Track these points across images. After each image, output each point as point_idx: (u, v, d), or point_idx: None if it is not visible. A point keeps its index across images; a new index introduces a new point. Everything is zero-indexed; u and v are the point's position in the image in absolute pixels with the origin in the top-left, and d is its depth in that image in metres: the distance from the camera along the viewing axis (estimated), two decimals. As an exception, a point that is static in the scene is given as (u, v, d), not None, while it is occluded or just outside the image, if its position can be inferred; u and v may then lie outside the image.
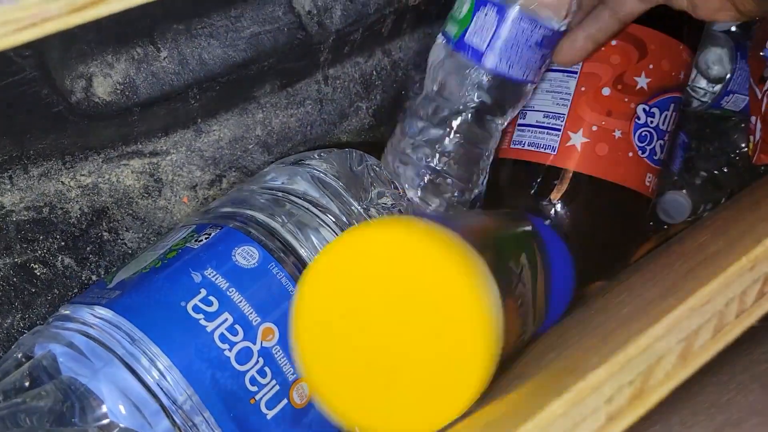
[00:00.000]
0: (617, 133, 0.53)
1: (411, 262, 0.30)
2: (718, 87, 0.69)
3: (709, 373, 0.31)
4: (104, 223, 0.50)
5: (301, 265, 0.43)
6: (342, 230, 0.45)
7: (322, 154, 0.49)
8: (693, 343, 0.30)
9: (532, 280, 0.42)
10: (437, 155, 0.50)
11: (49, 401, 0.36)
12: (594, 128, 0.53)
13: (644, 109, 0.53)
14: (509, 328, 0.34)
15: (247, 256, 0.42)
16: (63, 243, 0.49)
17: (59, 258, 0.48)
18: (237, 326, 0.40)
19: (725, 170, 0.73)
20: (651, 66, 0.53)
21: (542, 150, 0.54)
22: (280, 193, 0.46)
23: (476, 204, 0.60)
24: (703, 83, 0.70)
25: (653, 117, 0.54)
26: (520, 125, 0.55)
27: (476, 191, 0.53)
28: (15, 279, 0.47)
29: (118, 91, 0.48)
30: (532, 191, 0.54)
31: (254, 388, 0.40)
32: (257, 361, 0.40)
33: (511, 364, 0.42)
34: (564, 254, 0.50)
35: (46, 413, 0.36)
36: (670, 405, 0.30)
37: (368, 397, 0.31)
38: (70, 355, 0.38)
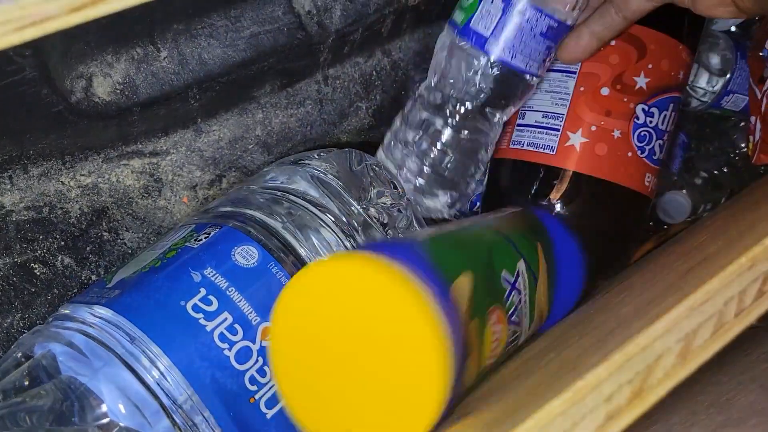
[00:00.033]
0: (616, 133, 0.53)
1: (362, 296, 0.32)
2: (718, 85, 0.69)
3: (708, 372, 0.31)
4: (104, 223, 0.50)
5: (300, 264, 0.43)
6: (342, 230, 0.45)
7: (321, 154, 0.49)
8: (692, 343, 0.30)
9: (530, 285, 0.42)
10: (438, 144, 0.50)
11: (49, 400, 0.36)
12: (593, 128, 0.53)
13: (643, 109, 0.53)
14: (481, 347, 0.36)
15: (246, 255, 0.42)
16: (63, 243, 0.49)
17: (59, 258, 0.48)
18: (236, 326, 0.40)
19: (725, 170, 0.73)
20: (650, 66, 0.53)
21: (541, 150, 0.54)
22: (279, 193, 0.46)
23: (476, 203, 0.60)
24: (703, 83, 0.70)
25: (652, 117, 0.54)
26: (519, 125, 0.55)
27: (475, 186, 0.53)
28: (15, 279, 0.47)
29: (118, 91, 0.48)
30: (532, 191, 0.54)
31: (254, 388, 0.40)
32: (257, 361, 0.40)
33: (510, 364, 0.42)
34: (574, 251, 0.49)
35: (46, 412, 0.36)
36: (670, 404, 0.30)
37: (336, 417, 0.33)
38: (69, 354, 0.38)
